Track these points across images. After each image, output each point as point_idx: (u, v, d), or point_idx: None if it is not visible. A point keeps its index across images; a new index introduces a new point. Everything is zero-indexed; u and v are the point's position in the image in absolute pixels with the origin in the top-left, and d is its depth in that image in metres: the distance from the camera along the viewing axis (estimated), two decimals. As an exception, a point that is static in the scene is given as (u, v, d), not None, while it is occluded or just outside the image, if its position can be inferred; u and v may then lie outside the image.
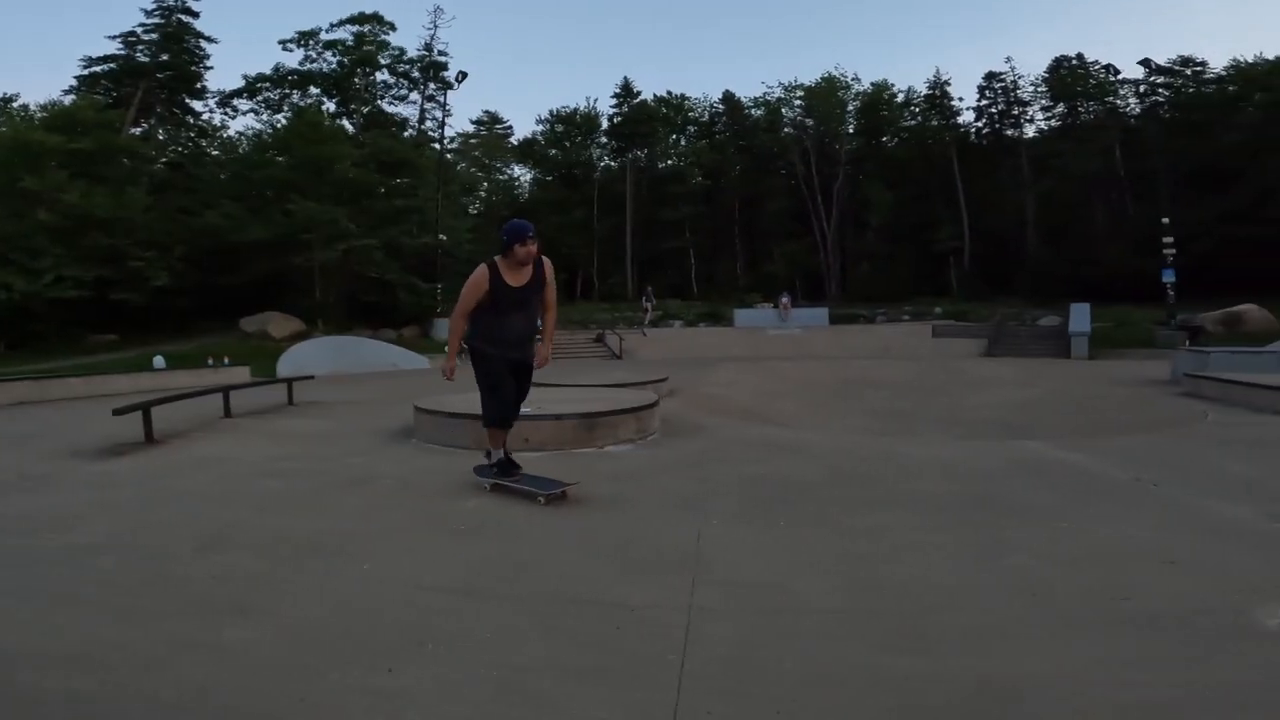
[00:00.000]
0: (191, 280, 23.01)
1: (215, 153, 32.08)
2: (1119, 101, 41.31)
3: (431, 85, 36.03)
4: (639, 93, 47.77)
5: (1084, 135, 40.55)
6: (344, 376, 15.52)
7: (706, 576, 3.04)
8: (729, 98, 49.18)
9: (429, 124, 36.26)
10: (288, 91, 33.84)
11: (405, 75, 36.28)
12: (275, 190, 23.49)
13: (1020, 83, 44.53)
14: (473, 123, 48.77)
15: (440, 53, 35.93)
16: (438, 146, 32.64)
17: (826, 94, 46.29)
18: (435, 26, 35.65)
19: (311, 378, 11.70)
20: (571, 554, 3.40)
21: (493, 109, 50.91)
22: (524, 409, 6.73)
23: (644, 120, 46.59)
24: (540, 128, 49.02)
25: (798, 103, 47.57)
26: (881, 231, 44.49)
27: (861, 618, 2.61)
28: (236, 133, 32.89)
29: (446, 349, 4.69)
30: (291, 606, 2.79)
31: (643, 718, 1.99)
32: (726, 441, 6.78)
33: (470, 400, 7.42)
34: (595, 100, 48.02)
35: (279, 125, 30.27)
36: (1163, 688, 2.05)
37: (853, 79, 47.26)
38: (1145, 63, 26.54)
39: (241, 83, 33.91)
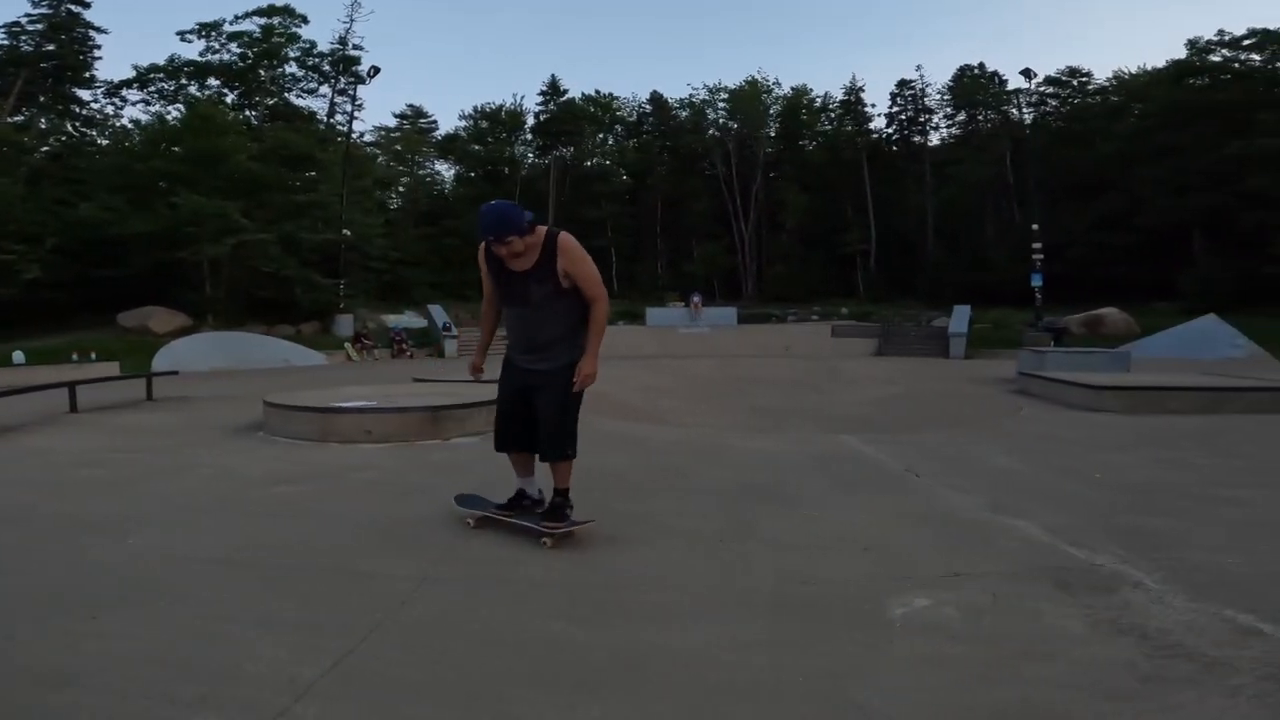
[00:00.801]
0: (69, 274, 21.68)
1: (104, 143, 30.39)
2: (1014, 111, 43.82)
3: (343, 79, 35.13)
4: (566, 91, 47.81)
5: (980, 144, 43.12)
6: (227, 373, 15.04)
7: (457, 554, 3.27)
8: (656, 98, 49.79)
9: (339, 118, 35.30)
10: (184, 83, 32.56)
11: (316, 69, 35.24)
12: (168, 183, 22.47)
13: (928, 91, 46.77)
14: (396, 117, 47.70)
15: (356, 46, 35.12)
16: (348, 141, 31.72)
17: (750, 97, 47.42)
18: (351, 20, 34.66)
19: (175, 373, 11.34)
20: (346, 534, 3.58)
21: (418, 103, 49.95)
22: (367, 401, 6.94)
23: (570, 119, 46.59)
24: (464, 123, 48.43)
25: (722, 105, 48.64)
26: (795, 233, 45.95)
27: (567, 589, 2.83)
28: (130, 123, 31.19)
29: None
30: (39, 571, 3.02)
31: (310, 655, 2.24)
32: (584, 435, 7.04)
33: (320, 394, 7.60)
34: (522, 98, 47.79)
35: (168, 117, 29.04)
36: (758, 670, 2.16)
37: (774, 83, 48.66)
38: (1026, 73, 28.45)
39: (132, 73, 32.69)
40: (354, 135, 33.76)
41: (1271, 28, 30.40)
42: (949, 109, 47.24)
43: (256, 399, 9.35)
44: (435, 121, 48.89)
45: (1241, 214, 25.97)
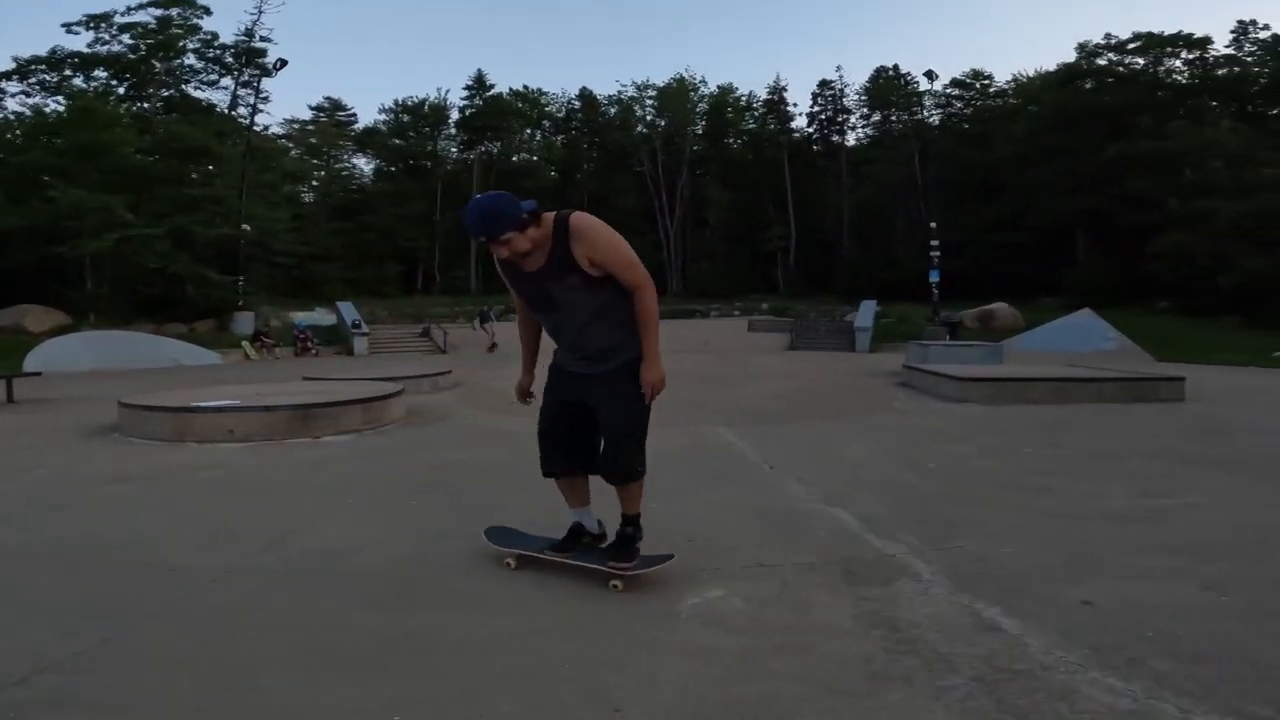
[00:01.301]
0: (-67, 271, 19.91)
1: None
2: (924, 112, 45.85)
3: (247, 71, 33.58)
4: (493, 86, 47.16)
5: (892, 144, 44.94)
6: (107, 374, 14.14)
7: (273, 549, 3.27)
8: (586, 95, 49.62)
9: (242, 110, 33.74)
10: (68, 74, 30.51)
11: (217, 60, 33.54)
12: (50, 176, 20.95)
13: (846, 91, 48.28)
14: (312, 109, 45.85)
15: (264, 39, 33.66)
16: (249, 133, 30.32)
17: (677, 95, 47.88)
18: (260, 12, 33.13)
19: (39, 374, 10.64)
20: (163, 530, 3.53)
21: (338, 96, 48.12)
22: (232, 400, 6.71)
23: (497, 113, 46.02)
24: (384, 117, 47.08)
25: (650, 103, 48.93)
26: (719, 230, 46.76)
27: (370, 578, 2.92)
28: (13, 115, 28.87)
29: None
30: None
31: (73, 636, 2.29)
32: (455, 430, 7.06)
33: (186, 394, 7.30)
34: (447, 92, 46.80)
35: (46, 109, 27.13)
36: (530, 656, 2.25)
37: (700, 81, 49.24)
38: (929, 74, 29.93)
39: (11, 64, 30.36)
40: (258, 128, 32.46)
41: (1155, 31, 32.85)
42: (865, 110, 49.05)
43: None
44: (355, 114, 47.37)
45: (1120, 215, 28.00)
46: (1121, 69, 33.70)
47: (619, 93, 49.22)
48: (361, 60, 72.86)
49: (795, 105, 49.47)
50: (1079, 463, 5.19)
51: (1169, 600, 2.55)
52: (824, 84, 48.29)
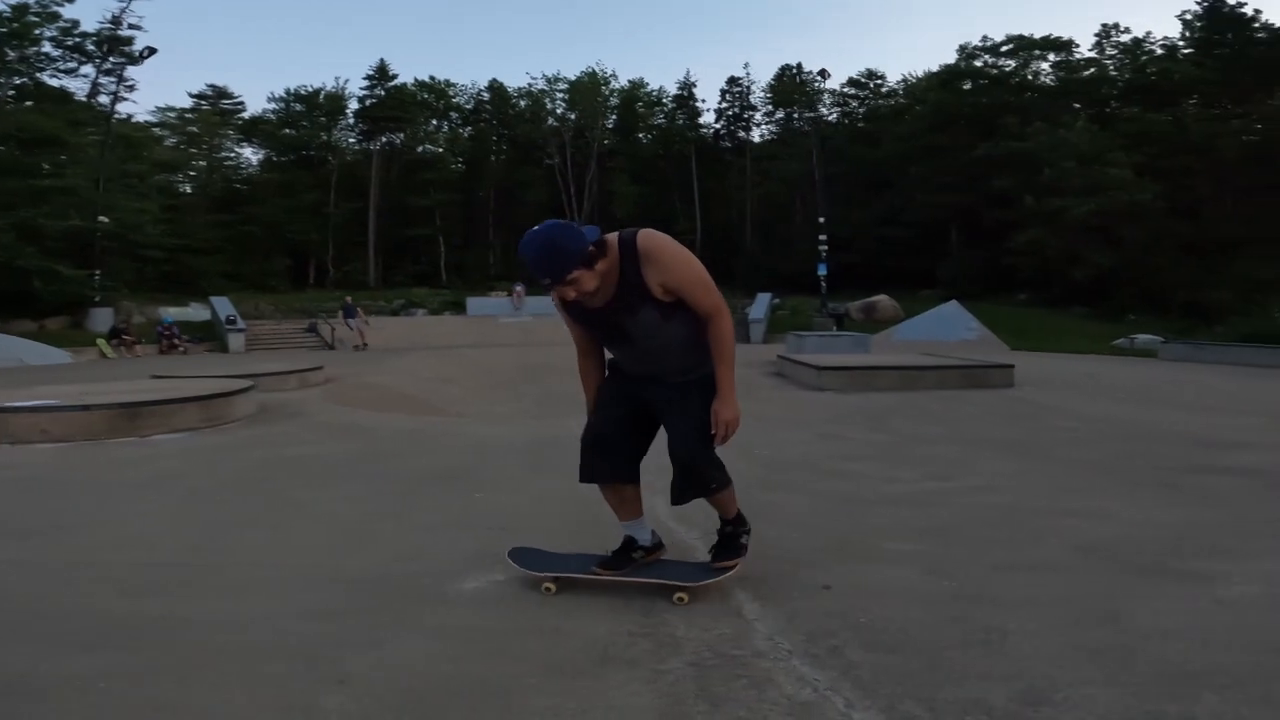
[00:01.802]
0: None
1: None
2: (823, 111, 47.45)
3: (111, 59, 30.98)
4: (395, 76, 45.66)
5: (793, 141, 46.47)
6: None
7: (61, 541, 3.31)
8: (495, 87, 48.69)
9: (103, 99, 31.14)
10: None
11: (78, 48, 30.68)
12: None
13: (753, 88, 49.18)
14: (193, 97, 42.63)
15: (132, 25, 31.17)
16: (110, 123, 27.99)
17: (588, 89, 47.63)
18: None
19: None
20: None
21: (225, 84, 44.85)
22: (49, 400, 6.25)
23: (399, 104, 44.63)
24: (273, 106, 44.53)
25: (560, 96, 48.51)
26: (627, 224, 46.89)
27: (110, 568, 2.97)
28: None
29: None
30: None
31: None
32: (305, 426, 6.89)
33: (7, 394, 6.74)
34: (346, 81, 44.94)
35: None
36: (271, 635, 2.35)
37: (611, 75, 49.17)
38: (822, 73, 31.20)
39: None
40: (123, 116, 30.31)
41: (1027, 34, 35.32)
42: (769, 107, 50.40)
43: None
44: (242, 103, 44.48)
45: (986, 211, 30.17)
46: (994, 71, 36.12)
47: (529, 85, 48.68)
48: (257, 49, 68.67)
49: (704, 101, 50.31)
50: (893, 448, 5.49)
51: (893, 585, 2.60)
52: (732, 81, 49.27)
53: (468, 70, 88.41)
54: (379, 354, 18.70)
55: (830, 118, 47.73)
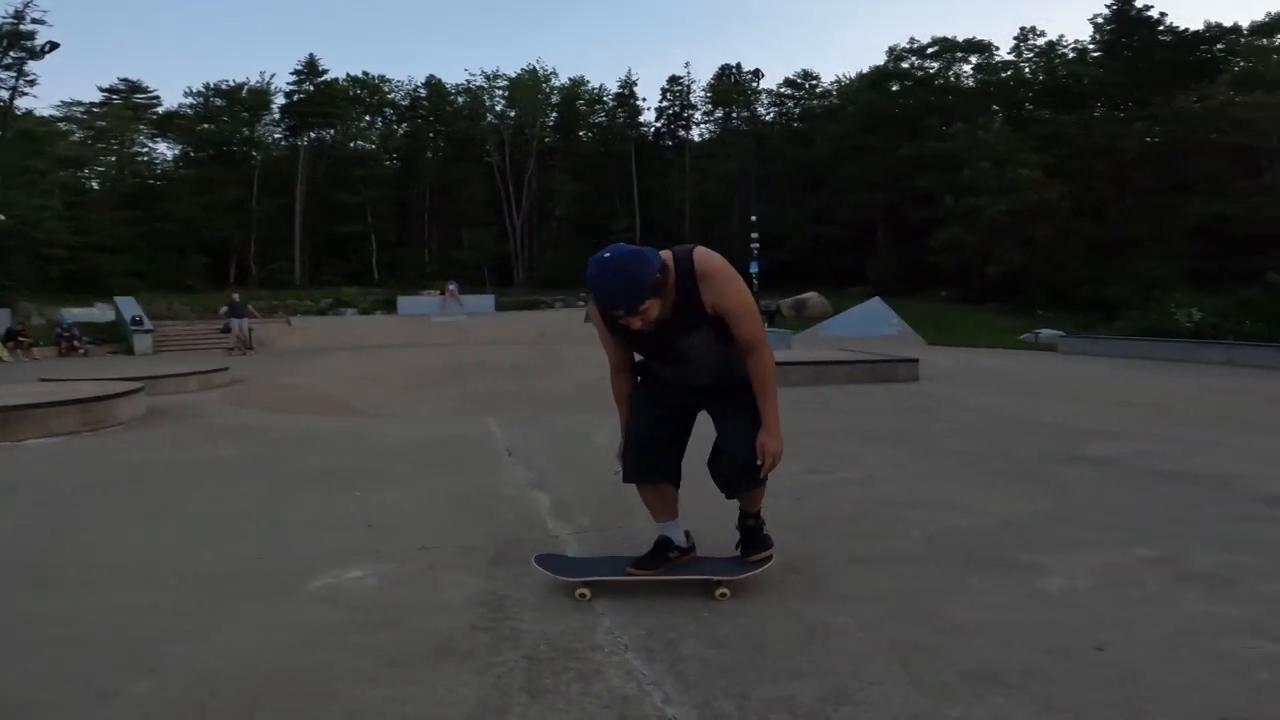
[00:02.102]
0: None
1: None
2: (761, 110, 48.28)
3: (11, 54, 29.08)
4: (325, 71, 44.39)
5: (730, 140, 47.09)
6: None
7: None
8: (433, 83, 47.82)
9: (2, 94, 29.20)
10: None
11: None
12: None
13: (694, 88, 49.44)
14: (103, 91, 40.23)
15: (35, 20, 29.34)
16: (9, 118, 26.26)
17: (528, 87, 47.14)
18: (33, -7, 28.73)
19: None
20: None
21: (138, 78, 42.49)
22: None
23: (329, 100, 43.43)
24: (191, 101, 42.54)
25: (500, 93, 47.85)
26: (566, 221, 46.84)
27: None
28: None
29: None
30: None
31: None
32: (200, 429, 6.71)
33: None
34: (272, 76, 43.38)
35: None
36: (110, 630, 2.36)
37: (551, 73, 48.74)
38: (756, 73, 31.78)
39: None
40: (22, 112, 28.33)
41: (950, 36, 36.68)
42: (709, 106, 50.87)
43: None
44: (158, 97, 42.27)
45: (910, 211, 31.28)
46: (919, 73, 37.40)
47: (468, 82, 47.90)
48: (178, 43, 65.27)
49: (644, 100, 50.44)
50: (786, 441, 5.69)
51: (747, 579, 2.58)
52: (674, 79, 49.55)
53: (406, 66, 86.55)
54: (298, 355, 18.05)
55: (768, 118, 48.63)
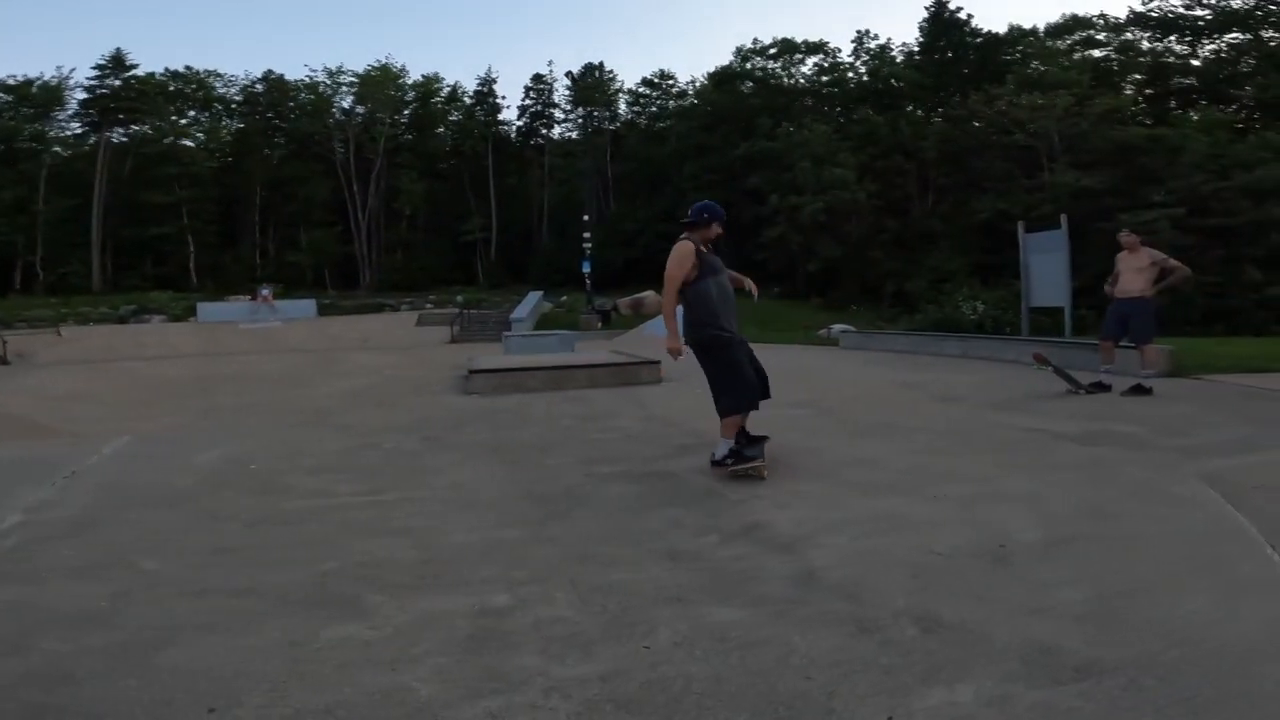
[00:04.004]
0: None
1: None
2: (620, 109, 48.49)
3: None
4: (135, 65, 40.60)
5: (589, 139, 46.78)
6: None
7: None
8: (272, 77, 44.79)
9: None
10: None
11: None
12: None
13: (556, 86, 48.86)
14: None
15: None
16: None
17: (378, 83, 45.11)
18: None
19: None
20: None
21: None
22: None
23: (140, 95, 39.71)
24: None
25: (346, 89, 45.60)
26: (415, 221, 44.91)
27: None
28: None
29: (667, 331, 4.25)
30: None
31: None
32: None
33: None
34: (72, 70, 38.86)
35: None
36: None
37: (401, 69, 46.77)
38: (602, 69, 31.43)
39: None
40: None
41: (790, 37, 37.98)
42: (570, 105, 50.27)
43: None
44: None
45: (743, 208, 32.05)
46: (759, 73, 38.53)
47: (309, 77, 45.23)
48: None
49: (504, 98, 49.34)
50: (459, 451, 5.28)
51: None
52: (538, 78, 48.64)
53: (250, 60, 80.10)
54: (44, 370, 15.78)
55: (627, 117, 48.83)
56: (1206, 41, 31.21)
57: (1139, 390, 6.65)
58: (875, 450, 4.63)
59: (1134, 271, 6.80)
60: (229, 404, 11.32)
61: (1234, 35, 30.37)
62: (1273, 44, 29.01)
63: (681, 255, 3.98)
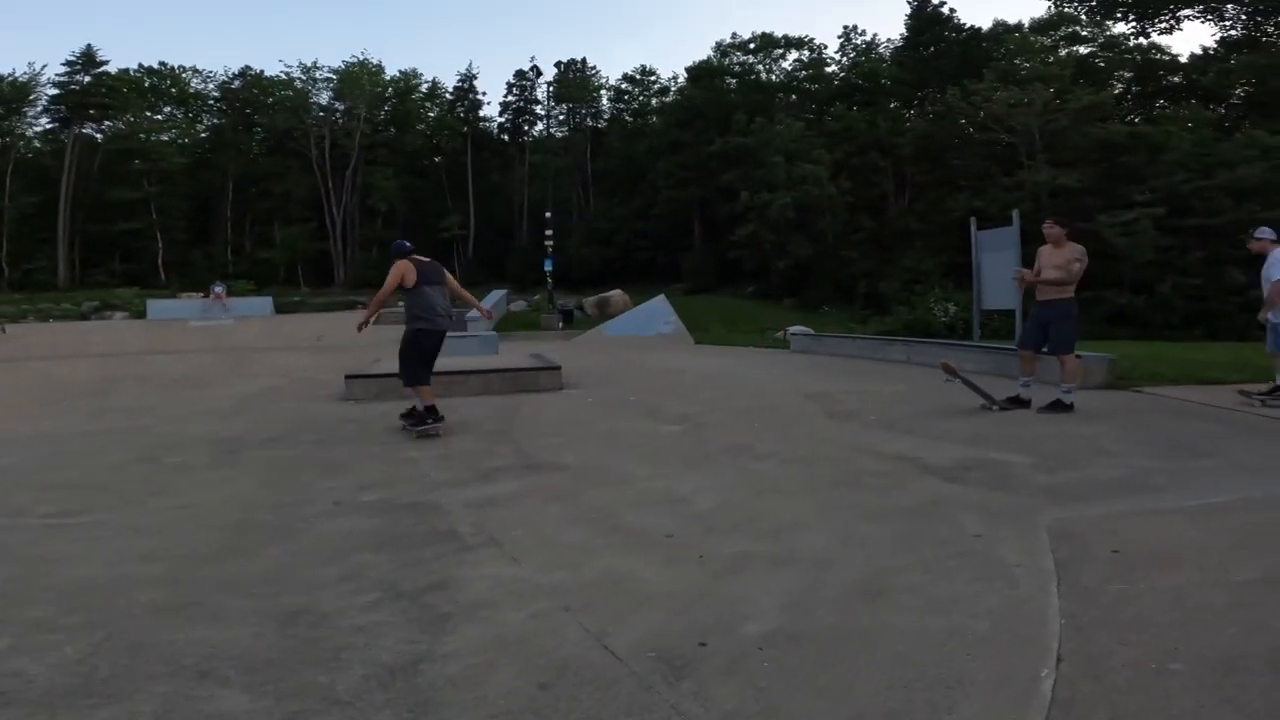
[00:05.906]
0: None
1: None
2: (604, 106, 47.67)
3: None
4: (106, 61, 40.16)
5: (570, 135, 46.00)
6: None
7: None
8: (249, 74, 44.15)
9: None
10: None
11: None
12: None
13: (539, 83, 48.02)
14: None
15: None
16: None
17: (356, 79, 44.38)
18: None
19: None
20: None
21: None
22: None
23: (111, 91, 39.20)
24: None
25: (323, 85, 44.91)
26: (391, 218, 44.22)
27: None
28: None
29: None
30: None
31: None
32: None
33: None
34: (43, 66, 38.83)
35: None
36: None
37: (377, 65, 46.02)
38: (568, 64, 30.60)
39: None
40: None
41: (770, 32, 37.09)
42: (552, 102, 49.42)
43: None
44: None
45: (719, 205, 31.26)
46: (737, 68, 37.64)
47: (285, 73, 44.56)
48: None
49: (485, 95, 48.45)
50: (238, 469, 4.82)
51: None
52: (520, 74, 47.82)
53: (228, 56, 79.48)
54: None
55: (608, 114, 48.03)
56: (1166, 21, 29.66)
57: (1058, 407, 5.90)
58: (690, 484, 3.86)
59: (1055, 269, 6.05)
60: (125, 405, 10.62)
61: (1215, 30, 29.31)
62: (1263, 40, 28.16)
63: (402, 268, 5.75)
